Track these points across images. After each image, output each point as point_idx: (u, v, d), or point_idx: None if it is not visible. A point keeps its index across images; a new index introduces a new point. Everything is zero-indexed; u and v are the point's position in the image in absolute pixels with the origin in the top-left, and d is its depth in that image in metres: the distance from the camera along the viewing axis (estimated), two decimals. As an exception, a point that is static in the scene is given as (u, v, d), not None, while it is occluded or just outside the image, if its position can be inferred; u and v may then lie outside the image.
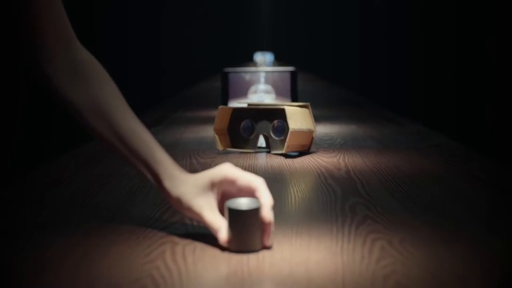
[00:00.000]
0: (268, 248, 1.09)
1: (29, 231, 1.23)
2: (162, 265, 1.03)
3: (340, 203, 1.42)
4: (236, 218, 1.07)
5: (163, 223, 1.27)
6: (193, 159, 1.99)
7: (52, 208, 1.41)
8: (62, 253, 1.09)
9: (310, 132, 2.06)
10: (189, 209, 1.14)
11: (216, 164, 1.83)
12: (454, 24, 3.09)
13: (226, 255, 1.07)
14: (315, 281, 0.96)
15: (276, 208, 1.38)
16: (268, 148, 2.08)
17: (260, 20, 12.41)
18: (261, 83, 3.11)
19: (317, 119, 2.62)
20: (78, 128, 1.31)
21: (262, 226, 1.09)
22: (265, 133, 2.07)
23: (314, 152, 2.09)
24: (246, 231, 1.07)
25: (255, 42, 11.65)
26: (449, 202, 1.43)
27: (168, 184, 1.17)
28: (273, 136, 2.06)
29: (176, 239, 1.17)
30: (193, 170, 1.80)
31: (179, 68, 6.06)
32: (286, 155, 2.02)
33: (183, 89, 5.54)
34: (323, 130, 2.64)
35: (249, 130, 2.09)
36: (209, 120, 2.79)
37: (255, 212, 1.08)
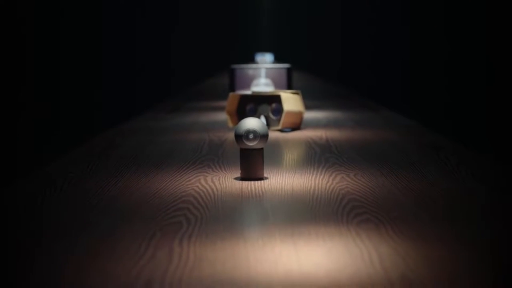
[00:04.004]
0: None
1: (101, 173, 1.81)
2: (199, 185, 1.62)
3: (318, 157, 2.00)
4: (246, 155, 1.65)
5: (196, 166, 1.86)
6: (210, 133, 2.57)
7: (116, 159, 2.00)
8: (132, 181, 1.68)
9: (301, 113, 2.64)
10: None
11: (227, 138, 2.42)
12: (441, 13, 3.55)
13: (239, 180, 1.66)
14: (296, 191, 1.54)
15: (273, 162, 1.96)
16: (268, 125, 2.66)
17: (262, 24, 13.07)
18: (262, 78, 3.66)
19: (309, 107, 3.19)
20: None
21: None
22: (265, 114, 2.65)
23: (303, 129, 2.67)
24: (253, 164, 1.65)
25: (257, 44, 12.31)
26: (395, 156, 2.02)
27: None
28: (271, 116, 2.64)
29: (206, 174, 1.75)
30: (211, 141, 2.39)
31: (188, 66, 6.64)
32: (281, 131, 2.60)
33: (193, 85, 6.13)
34: (313, 115, 3.21)
35: (253, 111, 2.67)
36: (219, 108, 3.39)
37: (259, 151, 1.65)
